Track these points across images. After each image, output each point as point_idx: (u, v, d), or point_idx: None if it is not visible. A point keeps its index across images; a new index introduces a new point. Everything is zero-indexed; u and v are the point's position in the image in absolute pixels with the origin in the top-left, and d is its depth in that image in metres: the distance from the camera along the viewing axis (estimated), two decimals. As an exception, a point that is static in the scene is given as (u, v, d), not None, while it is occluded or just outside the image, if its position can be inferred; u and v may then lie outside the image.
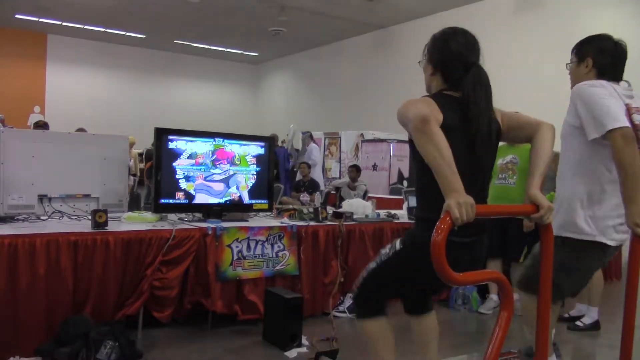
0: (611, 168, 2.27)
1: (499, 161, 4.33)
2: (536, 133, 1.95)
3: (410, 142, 1.88)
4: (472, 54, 1.92)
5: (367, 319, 2.20)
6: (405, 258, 2.04)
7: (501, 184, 4.29)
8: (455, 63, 1.91)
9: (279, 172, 9.76)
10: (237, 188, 4.01)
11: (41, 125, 7.85)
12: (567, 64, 2.50)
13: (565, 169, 2.43)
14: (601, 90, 2.25)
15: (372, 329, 2.19)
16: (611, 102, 2.21)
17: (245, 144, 4.05)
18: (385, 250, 2.14)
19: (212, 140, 3.90)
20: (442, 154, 1.60)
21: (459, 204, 1.50)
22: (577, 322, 4.07)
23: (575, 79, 2.46)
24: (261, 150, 4.12)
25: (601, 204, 2.32)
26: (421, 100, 1.83)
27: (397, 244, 2.10)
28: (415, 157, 1.86)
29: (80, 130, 7.62)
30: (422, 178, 1.92)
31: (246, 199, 4.05)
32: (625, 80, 2.41)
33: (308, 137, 10.81)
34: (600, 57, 2.38)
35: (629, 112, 2.31)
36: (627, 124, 2.16)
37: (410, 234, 2.08)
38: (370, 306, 2.19)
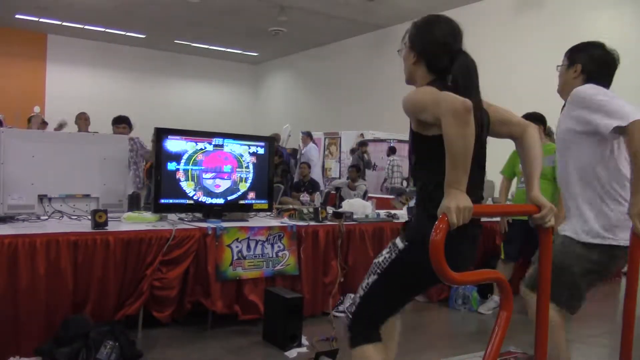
0: (615, 172, 2.25)
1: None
2: (524, 134, 1.88)
3: (415, 135, 1.79)
4: (457, 41, 1.84)
5: (368, 344, 1.89)
6: (415, 256, 1.79)
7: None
8: (441, 51, 1.82)
9: (289, 172, 9.67)
10: (237, 188, 4.01)
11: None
12: (557, 66, 2.53)
13: (571, 176, 2.38)
14: (606, 93, 2.25)
15: (374, 356, 1.88)
16: (620, 100, 2.20)
17: (245, 144, 4.05)
18: (383, 257, 1.90)
19: (212, 140, 3.91)
20: (468, 150, 1.51)
21: (458, 208, 1.48)
22: None
23: (563, 82, 2.48)
24: (261, 150, 4.12)
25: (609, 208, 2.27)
26: (431, 90, 1.70)
27: (399, 243, 1.86)
28: (433, 149, 1.69)
29: (82, 115, 7.04)
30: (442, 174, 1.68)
31: (246, 199, 4.05)
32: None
33: (305, 136, 10.79)
34: (589, 64, 2.39)
35: None
36: None
37: (416, 229, 1.82)
38: (372, 329, 1.91)
